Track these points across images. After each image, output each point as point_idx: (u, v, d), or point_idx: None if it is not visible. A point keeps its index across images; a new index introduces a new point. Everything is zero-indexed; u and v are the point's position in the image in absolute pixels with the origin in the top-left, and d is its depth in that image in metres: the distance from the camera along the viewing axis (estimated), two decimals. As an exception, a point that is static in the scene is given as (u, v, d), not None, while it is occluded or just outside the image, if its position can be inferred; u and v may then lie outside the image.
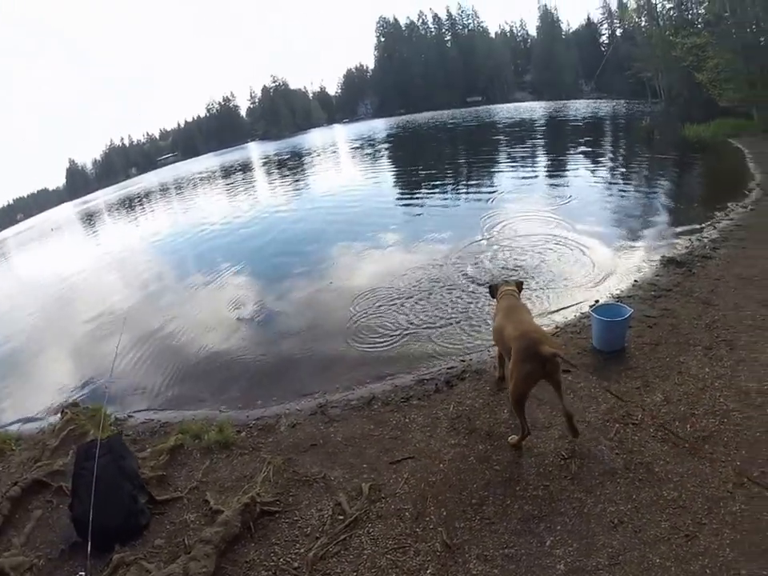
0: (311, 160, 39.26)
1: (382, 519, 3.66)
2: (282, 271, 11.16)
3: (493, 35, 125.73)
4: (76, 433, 5.53)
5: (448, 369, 5.70)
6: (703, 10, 32.42)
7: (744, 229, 8.89)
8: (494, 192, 15.65)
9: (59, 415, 6.12)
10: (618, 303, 6.01)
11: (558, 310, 7.04)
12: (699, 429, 3.95)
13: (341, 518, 3.72)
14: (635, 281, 7.38)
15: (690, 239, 8.87)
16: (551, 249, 9.52)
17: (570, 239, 9.88)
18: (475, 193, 16.34)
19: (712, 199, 11.77)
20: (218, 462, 4.71)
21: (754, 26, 26.24)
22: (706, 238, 8.76)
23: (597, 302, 6.69)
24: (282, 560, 3.50)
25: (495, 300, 5.03)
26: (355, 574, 3.29)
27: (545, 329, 5.34)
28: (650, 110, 42.07)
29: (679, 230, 9.76)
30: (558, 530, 3.31)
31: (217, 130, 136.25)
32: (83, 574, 3.36)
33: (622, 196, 13.62)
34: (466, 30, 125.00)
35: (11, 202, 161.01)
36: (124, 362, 7.94)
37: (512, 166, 20.41)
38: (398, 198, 17.94)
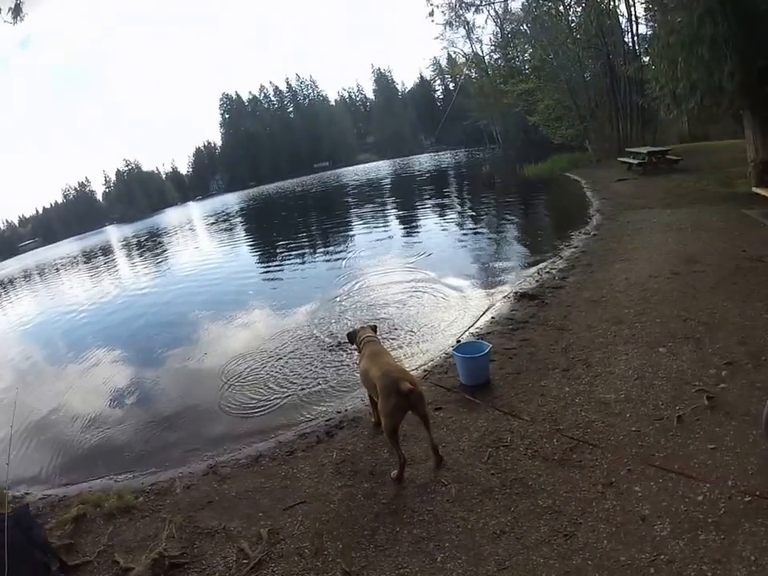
0: (170, 239, 39.12)
1: (283, 558, 3.86)
2: (156, 348, 10.99)
3: (333, 102, 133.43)
4: None
5: (326, 421, 5.97)
6: (528, 56, 35.16)
7: (589, 254, 10.08)
8: (350, 253, 16.29)
9: None
10: (478, 340, 6.57)
11: (424, 354, 7.45)
12: (565, 442, 4.40)
13: (245, 561, 3.92)
14: (492, 317, 8.01)
15: (539, 272, 9.78)
16: (412, 298, 10.07)
17: (428, 288, 10.51)
18: (331, 255, 16.96)
19: (557, 231, 13.41)
20: (121, 526, 4.70)
21: (577, 65, 28.50)
22: (555, 268, 9.72)
23: (458, 341, 7.14)
24: None
25: (356, 346, 5.42)
26: None
27: (413, 372, 5.69)
28: (489, 156, 45.27)
29: (530, 264, 10.75)
30: (447, 546, 3.63)
31: (75, 215, 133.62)
32: None
33: (473, 242, 14.77)
34: (307, 99, 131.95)
35: None
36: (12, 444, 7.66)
37: (365, 227, 21.50)
38: (257, 270, 18.15)
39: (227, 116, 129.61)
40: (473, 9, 35.69)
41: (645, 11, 25.64)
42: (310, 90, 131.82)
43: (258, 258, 21.45)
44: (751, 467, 3.68)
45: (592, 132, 28.67)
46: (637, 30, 27.03)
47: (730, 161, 16.24)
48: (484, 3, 34.49)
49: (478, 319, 8.14)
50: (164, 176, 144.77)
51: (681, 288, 7.35)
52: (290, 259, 18.09)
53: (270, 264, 18.79)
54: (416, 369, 6.72)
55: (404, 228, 19.75)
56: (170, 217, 78.38)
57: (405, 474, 4.44)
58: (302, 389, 7.24)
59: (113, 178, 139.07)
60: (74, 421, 8.33)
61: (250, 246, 25.81)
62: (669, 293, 7.28)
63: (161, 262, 26.78)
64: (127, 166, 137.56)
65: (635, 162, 20.01)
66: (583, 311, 7.26)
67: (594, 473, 3.98)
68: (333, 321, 9.77)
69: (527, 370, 5.88)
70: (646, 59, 23.58)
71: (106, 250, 46.37)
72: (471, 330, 7.68)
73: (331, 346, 8.49)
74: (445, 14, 37.56)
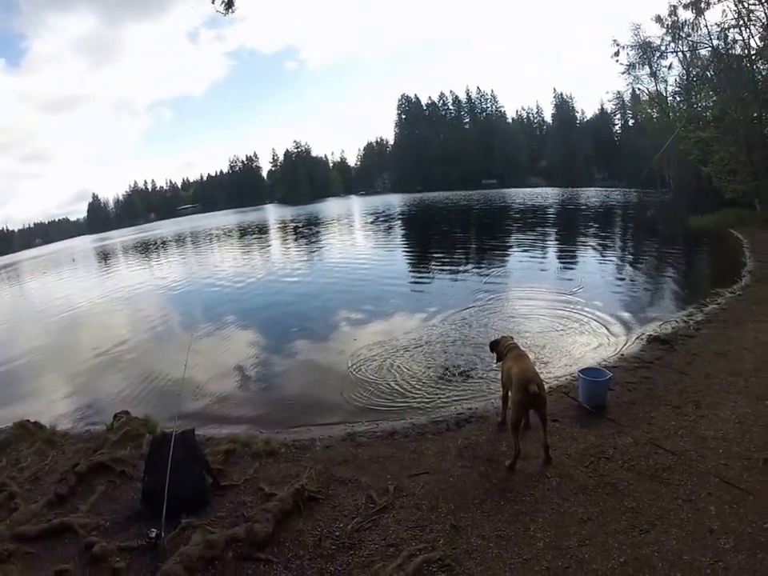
0: (327, 230, 41.19)
1: (404, 509, 4.80)
2: (306, 331, 12.53)
3: (510, 120, 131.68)
4: (131, 433, 6.72)
5: (458, 414, 6.93)
6: (711, 104, 34.17)
7: (728, 312, 10.32)
8: (504, 277, 17.05)
9: (112, 420, 7.30)
10: (602, 368, 7.20)
11: (552, 371, 8.36)
12: (660, 462, 5.09)
13: (372, 505, 4.86)
14: (622, 354, 8.65)
15: (677, 321, 10.18)
16: (553, 323, 10.89)
17: (571, 317, 11.23)
18: (483, 275, 17.65)
19: (706, 285, 13.39)
20: (266, 465, 5.87)
21: (757, 120, 27.63)
22: (693, 319, 10.11)
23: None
24: (325, 530, 4.60)
25: (495, 353, 6.36)
26: (384, 542, 4.37)
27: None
28: (659, 200, 43.73)
29: (671, 312, 11.14)
30: (540, 521, 4.45)
31: (238, 187, 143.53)
32: (155, 530, 4.34)
33: (623, 283, 15.15)
34: (485, 113, 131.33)
35: (31, 225, 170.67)
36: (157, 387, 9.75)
37: (522, 253, 21.92)
38: (407, 277, 19.28)
39: (403, 117, 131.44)
40: (658, 54, 35.04)
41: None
42: (489, 104, 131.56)
43: (410, 264, 22.58)
44: None
45: (763, 190, 27.68)
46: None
47: None
48: (670, 50, 33.80)
49: (617, 353, 8.83)
50: (331, 165, 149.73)
51: None
52: (441, 272, 19.09)
53: (423, 274, 19.64)
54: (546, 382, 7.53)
55: (560, 260, 20.23)
56: (331, 207, 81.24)
57: (517, 465, 5.26)
58: (441, 379, 8.34)
59: (281, 157, 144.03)
60: (227, 377, 9.83)
61: (405, 251, 27.00)
62: None
63: (314, 252, 28.68)
64: (297, 147, 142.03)
65: None
66: (707, 361, 7.72)
67: (678, 490, 4.64)
68: (479, 327, 10.97)
69: (641, 402, 6.53)
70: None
71: (263, 229, 49.07)
72: (600, 361, 8.32)
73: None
74: (629, 56, 36.96)
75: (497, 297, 13.70)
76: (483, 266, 19.49)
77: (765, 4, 23.84)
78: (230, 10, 9.91)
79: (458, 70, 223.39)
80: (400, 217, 49.89)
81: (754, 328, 9.08)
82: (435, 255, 23.39)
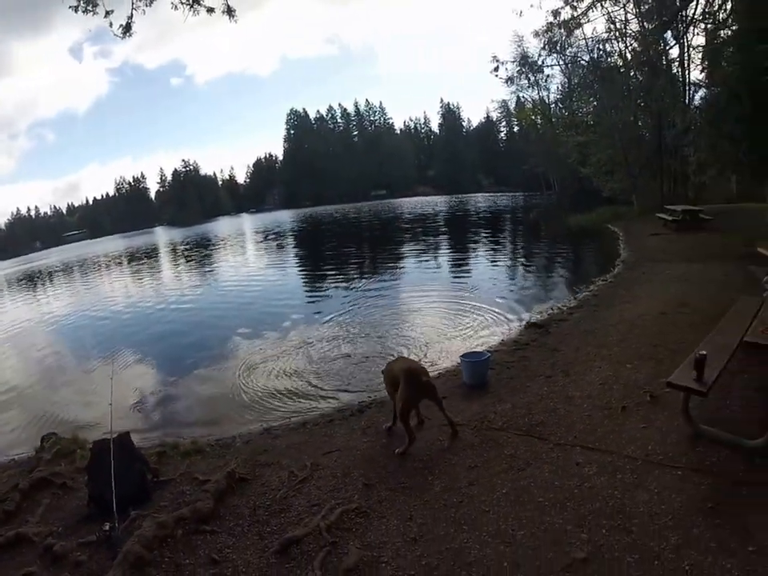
0: (219, 250, 40.86)
1: (321, 478, 5.47)
2: (213, 351, 12.45)
3: (398, 131, 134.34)
4: (63, 451, 6.93)
5: (360, 401, 7.78)
6: (591, 109, 36.38)
7: (599, 297, 11.80)
8: (397, 285, 17.81)
9: (41, 442, 7.42)
10: (482, 351, 8.20)
11: (442, 361, 9.29)
12: (533, 420, 6.01)
13: (294, 478, 5.50)
14: (503, 340, 9.82)
15: (552, 308, 11.57)
16: (443, 320, 11.94)
17: (464, 314, 12.27)
18: (376, 282, 18.39)
19: (582, 276, 15.20)
20: (196, 461, 6.33)
21: (631, 125, 30.13)
22: (566, 306, 11.45)
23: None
24: (257, 502, 5.19)
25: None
26: (308, 503, 5.02)
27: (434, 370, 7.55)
28: (544, 202, 46.23)
29: (550, 302, 12.43)
30: (436, 472, 5.26)
31: (125, 211, 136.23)
32: (108, 524, 4.72)
33: (508, 281, 16.42)
34: (373, 125, 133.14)
35: None
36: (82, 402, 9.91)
37: (417, 261, 22.98)
38: (301, 294, 19.42)
39: (292, 132, 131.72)
40: (536, 68, 36.93)
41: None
42: (378, 117, 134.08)
43: (304, 280, 23.00)
44: (670, 439, 5.15)
45: (638, 188, 30.09)
46: (689, 96, 28.30)
47: (760, 222, 17.51)
48: (547, 65, 35.82)
49: (498, 340, 9.94)
50: (220, 183, 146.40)
51: (663, 324, 8.83)
52: (336, 284, 19.38)
53: (316, 287, 20.24)
54: (435, 370, 8.45)
55: (453, 264, 21.36)
56: (222, 226, 79.87)
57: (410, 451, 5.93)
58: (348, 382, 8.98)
59: (169, 177, 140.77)
60: (135, 408, 9.67)
61: (298, 268, 27.39)
62: (651, 327, 8.78)
63: (206, 275, 28.32)
64: (185, 166, 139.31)
65: (670, 218, 21.39)
66: (576, 338, 8.88)
67: (549, 437, 5.54)
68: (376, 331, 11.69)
69: (518, 377, 7.49)
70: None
71: (152, 254, 48.02)
72: (481, 348, 9.21)
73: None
74: (508, 70, 38.76)
75: (393, 302, 14.63)
76: (377, 275, 20.28)
77: (638, 18, 25.82)
78: (126, 34, 10.15)
79: (346, 84, 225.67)
80: (291, 234, 50.23)
81: (620, 308, 10.41)
82: (328, 269, 23.90)
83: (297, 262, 29.28)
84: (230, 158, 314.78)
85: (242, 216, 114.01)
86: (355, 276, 20.48)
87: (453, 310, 12.64)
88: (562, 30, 23.17)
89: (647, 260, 15.43)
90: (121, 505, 4.94)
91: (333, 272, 22.31)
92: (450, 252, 25.60)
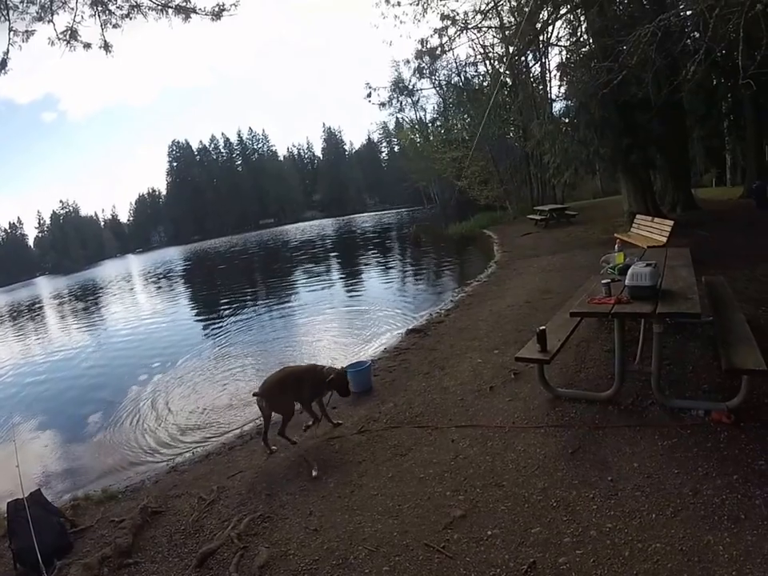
0: (107, 298, 39.31)
1: (228, 498, 5.73)
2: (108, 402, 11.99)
3: (282, 158, 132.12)
4: None
5: (258, 425, 7.66)
6: (466, 126, 38.17)
7: (473, 296, 12.72)
8: (294, 307, 18.09)
9: None
10: (365, 360, 8.73)
11: None
12: (414, 413, 6.67)
13: (203, 502, 5.74)
14: (385, 348, 10.38)
15: (431, 313, 12.29)
16: (333, 337, 12.53)
17: (357, 328, 12.89)
18: (269, 312, 18.35)
19: (460, 279, 16.31)
20: (110, 507, 6.35)
21: (498, 137, 31.85)
22: (443, 309, 12.25)
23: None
24: (172, 529, 5.38)
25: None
26: (218, 520, 5.29)
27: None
28: (427, 215, 47.87)
29: (428, 308, 13.23)
30: (329, 472, 5.66)
31: (2, 261, 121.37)
32: None
33: (390, 294, 17.31)
34: (256, 153, 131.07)
35: None
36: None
37: (309, 284, 23.24)
38: (194, 333, 18.69)
39: (175, 164, 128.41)
40: (406, 92, 37.96)
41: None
42: (261, 144, 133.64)
43: (197, 316, 22.57)
44: (533, 406, 5.95)
45: (511, 193, 32.05)
46: (549, 109, 30.21)
47: (618, 213, 19.45)
48: (418, 89, 37.13)
49: (381, 348, 10.51)
50: (103, 223, 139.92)
51: (528, 312, 9.90)
52: (230, 315, 19.20)
53: (204, 324, 19.65)
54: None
55: (340, 284, 21.98)
56: (108, 270, 76.40)
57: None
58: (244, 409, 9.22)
59: (47, 220, 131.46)
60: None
61: (190, 305, 26.77)
62: (517, 316, 9.83)
63: (95, 322, 26.80)
64: (64, 208, 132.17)
65: (539, 218, 23.23)
66: (452, 336, 9.66)
67: (427, 425, 6.19)
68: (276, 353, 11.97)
69: (400, 378, 8.13)
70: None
71: (34, 308, 45.23)
72: (364, 357, 9.76)
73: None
74: (380, 96, 39.68)
75: (289, 324, 15.16)
76: (272, 302, 20.49)
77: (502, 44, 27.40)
78: (2, 71, 10.07)
79: (228, 113, 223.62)
80: (176, 273, 48.85)
81: (491, 303, 11.41)
82: (217, 303, 23.65)
83: (186, 301, 28.63)
84: (112, 195, 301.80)
85: (128, 257, 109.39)
86: (247, 307, 20.45)
87: (343, 327, 13.30)
88: (428, 58, 24.25)
89: (518, 257, 16.84)
90: (46, 558, 5.06)
91: (223, 306, 22.18)
92: (340, 273, 26.27)
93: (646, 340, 6.52)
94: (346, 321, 14.02)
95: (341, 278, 24.17)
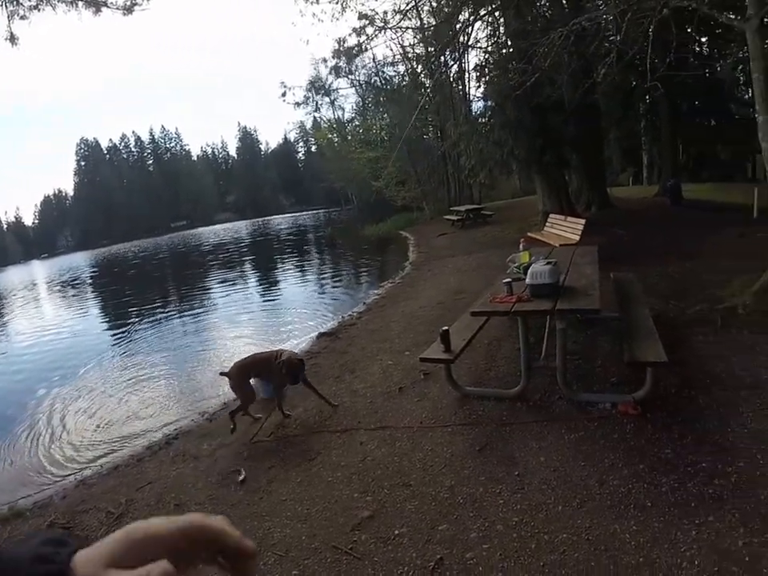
0: (8, 306, 37.38)
1: (137, 510, 5.53)
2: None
3: (195, 157, 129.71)
4: None
5: (166, 435, 7.72)
6: (385, 125, 38.31)
7: (386, 298, 12.86)
8: (210, 312, 17.73)
9: None
10: None
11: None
12: (323, 417, 6.67)
13: (111, 516, 5.54)
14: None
15: (343, 316, 12.24)
16: (247, 344, 11.96)
17: (255, 336, 12.67)
18: (189, 315, 17.98)
19: (374, 281, 16.29)
20: (17, 526, 5.99)
21: (417, 137, 32.12)
22: (356, 312, 12.26)
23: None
24: (83, 545, 5.18)
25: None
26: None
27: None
28: (344, 216, 47.65)
29: (340, 311, 13.15)
30: (240, 478, 5.63)
31: None
32: None
33: (303, 298, 17.02)
34: (169, 152, 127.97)
35: None
36: None
37: (220, 290, 22.81)
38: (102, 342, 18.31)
39: (83, 164, 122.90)
40: (322, 92, 38.01)
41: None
42: (174, 143, 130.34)
43: (107, 325, 21.27)
44: (441, 405, 6.06)
45: (428, 194, 32.41)
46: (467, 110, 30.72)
47: (535, 213, 20.05)
48: (337, 88, 37.34)
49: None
50: (5, 226, 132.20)
51: (439, 312, 10.05)
52: (144, 322, 18.57)
53: (120, 330, 18.75)
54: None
55: (263, 288, 21.60)
56: (10, 278, 72.77)
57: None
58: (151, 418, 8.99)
59: None
60: None
61: (99, 314, 25.43)
62: (428, 317, 9.98)
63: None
64: None
65: (456, 218, 23.58)
66: (363, 339, 9.71)
67: (336, 429, 6.19)
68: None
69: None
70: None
71: None
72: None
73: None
74: (295, 96, 39.55)
75: (200, 330, 14.76)
76: (183, 308, 19.91)
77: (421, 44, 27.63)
78: None
79: (140, 110, 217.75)
80: (86, 278, 46.86)
81: (403, 305, 11.54)
82: (130, 309, 22.72)
83: (93, 310, 27.40)
84: (15, 196, 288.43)
85: (33, 263, 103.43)
86: (156, 315, 19.57)
87: (255, 332, 13.06)
88: (345, 58, 24.28)
89: (433, 258, 17.16)
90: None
91: (131, 314, 21.20)
92: (255, 277, 25.98)
93: (551, 336, 6.70)
94: (258, 326, 13.89)
95: (255, 282, 23.96)
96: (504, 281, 6.02)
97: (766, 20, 8.78)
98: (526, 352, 5.84)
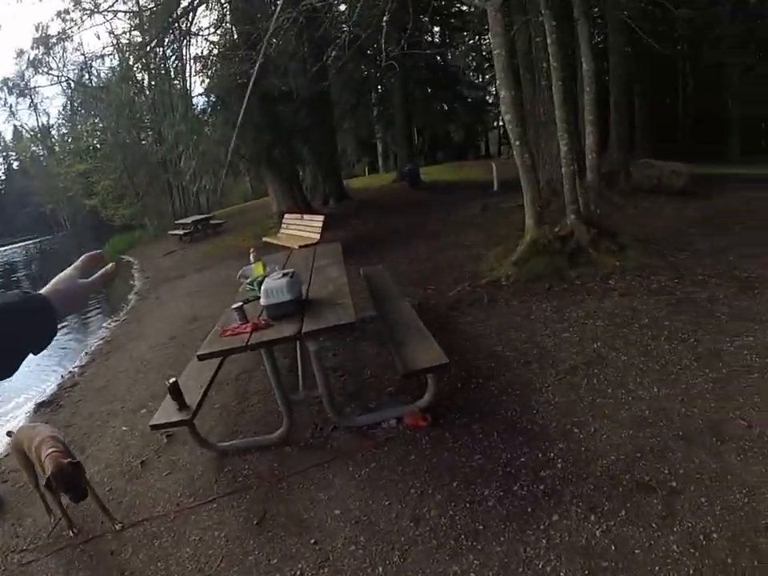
0: None
1: None
2: None
3: None
4: None
5: None
6: (98, 133, 35.10)
7: (111, 342, 10.91)
8: None
9: None
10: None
11: None
12: (61, 525, 4.93)
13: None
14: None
15: (62, 375, 9.66)
16: None
17: None
18: None
19: (99, 322, 13.48)
20: None
21: (134, 144, 30.04)
22: (78, 366, 9.94)
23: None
24: None
25: None
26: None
27: None
28: (56, 245, 43.91)
29: (63, 365, 10.52)
30: None
31: None
32: None
33: None
34: None
35: None
36: None
37: None
38: None
39: None
40: (17, 91, 34.06)
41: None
42: None
43: None
44: (197, 474, 4.97)
45: (150, 208, 30.37)
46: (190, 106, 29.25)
47: (269, 214, 19.42)
48: (37, 86, 33.51)
49: None
50: None
51: (175, 350, 8.78)
52: None
53: None
54: None
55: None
56: None
57: None
58: None
59: None
60: None
61: None
62: (161, 358, 8.61)
63: None
64: None
65: (183, 232, 22.13)
66: (90, 402, 7.77)
67: (73, 543, 4.53)
68: None
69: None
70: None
71: None
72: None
73: None
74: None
75: None
76: None
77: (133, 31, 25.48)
78: None
79: None
80: None
81: (131, 348, 9.91)
82: None
83: None
84: None
85: None
86: None
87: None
88: (42, 48, 21.75)
89: (162, 282, 15.52)
90: None
91: None
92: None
93: (305, 361, 6.05)
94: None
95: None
96: (233, 306, 4.98)
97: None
98: (279, 387, 5.04)
